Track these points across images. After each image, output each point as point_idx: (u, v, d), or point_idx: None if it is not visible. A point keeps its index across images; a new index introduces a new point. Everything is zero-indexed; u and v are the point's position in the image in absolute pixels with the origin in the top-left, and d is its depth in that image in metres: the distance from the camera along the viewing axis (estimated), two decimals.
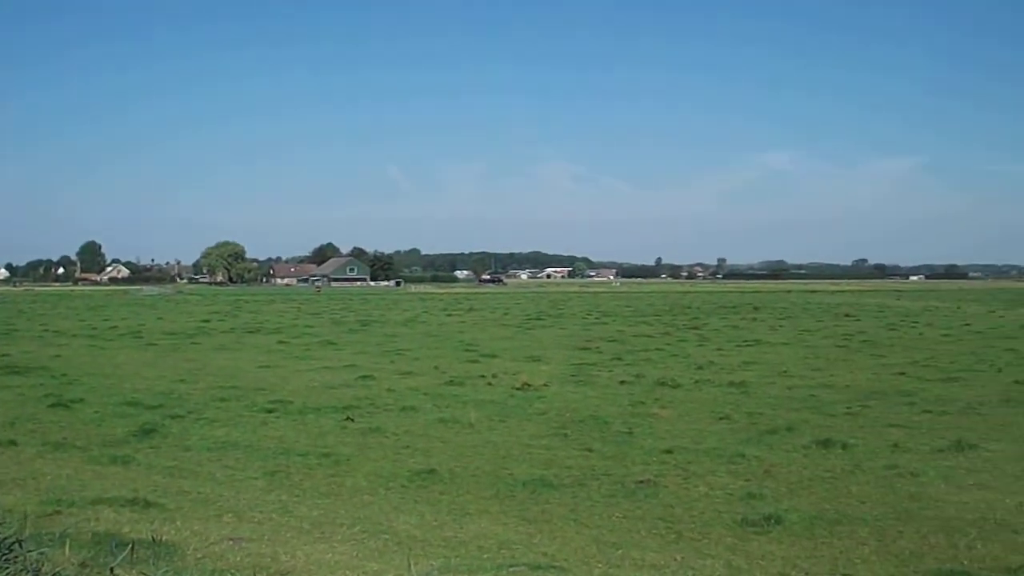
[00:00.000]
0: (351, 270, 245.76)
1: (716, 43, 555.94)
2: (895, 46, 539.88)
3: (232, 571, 7.62)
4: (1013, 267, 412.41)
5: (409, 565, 7.94)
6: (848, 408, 20.90)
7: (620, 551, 10.30)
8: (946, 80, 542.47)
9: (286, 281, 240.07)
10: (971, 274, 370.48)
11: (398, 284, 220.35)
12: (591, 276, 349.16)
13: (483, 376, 27.04)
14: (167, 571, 6.11)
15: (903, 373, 27.98)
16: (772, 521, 11.28)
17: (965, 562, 9.82)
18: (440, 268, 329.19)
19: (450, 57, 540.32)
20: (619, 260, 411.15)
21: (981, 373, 27.86)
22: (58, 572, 5.41)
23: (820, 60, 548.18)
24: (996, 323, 56.50)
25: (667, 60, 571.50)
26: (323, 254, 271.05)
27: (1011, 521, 11.28)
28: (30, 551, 5.14)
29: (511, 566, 9.64)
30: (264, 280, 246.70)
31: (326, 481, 13.80)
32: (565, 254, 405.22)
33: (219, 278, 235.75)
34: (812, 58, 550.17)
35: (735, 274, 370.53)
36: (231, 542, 9.22)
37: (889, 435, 17.34)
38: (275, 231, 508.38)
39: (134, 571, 5.67)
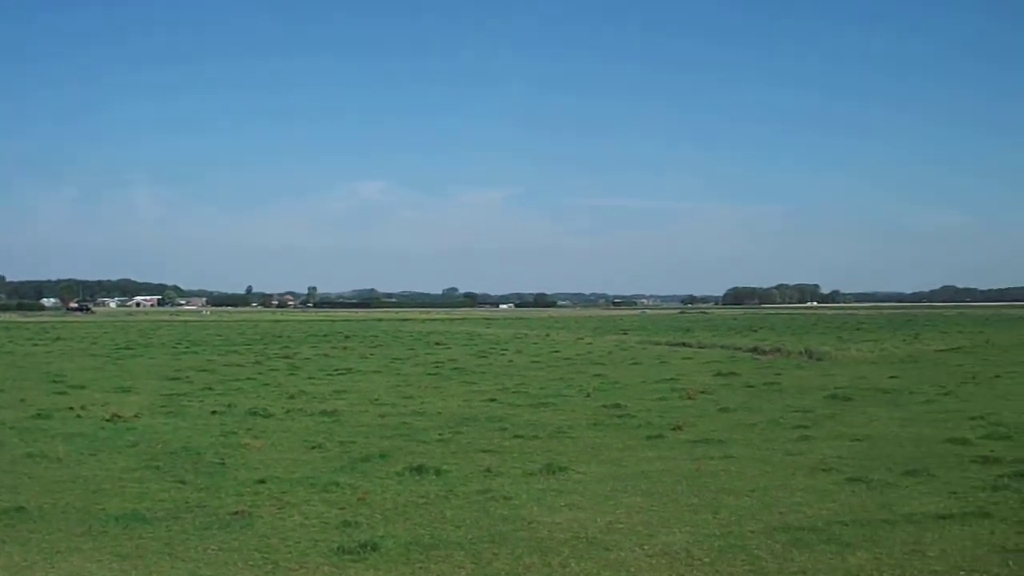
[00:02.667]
0: None
1: (308, 73, 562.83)
2: (485, 81, 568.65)
3: None
4: (600, 295, 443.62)
5: None
6: (440, 435, 21.61)
7: None
8: (534, 115, 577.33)
9: None
10: (560, 302, 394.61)
11: None
12: (181, 305, 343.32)
13: (71, 408, 26.19)
14: None
15: (494, 399, 29.27)
16: (368, 548, 11.50)
17: None
18: (25, 296, 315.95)
19: (31, 78, 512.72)
20: (210, 288, 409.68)
21: (570, 398, 29.60)
22: None
23: (413, 91, 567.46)
24: (584, 349, 60.32)
25: (260, 85, 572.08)
26: None
27: (602, 539, 12.10)
28: None
29: None
30: None
31: None
32: (155, 282, 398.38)
33: None
34: (405, 88, 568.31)
35: (326, 303, 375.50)
36: None
37: (481, 460, 18.10)
38: None
39: None
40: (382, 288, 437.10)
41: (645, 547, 11.69)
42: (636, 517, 13.33)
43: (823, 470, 16.77)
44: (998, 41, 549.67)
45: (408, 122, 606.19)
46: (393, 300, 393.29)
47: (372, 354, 55.54)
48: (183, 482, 16.03)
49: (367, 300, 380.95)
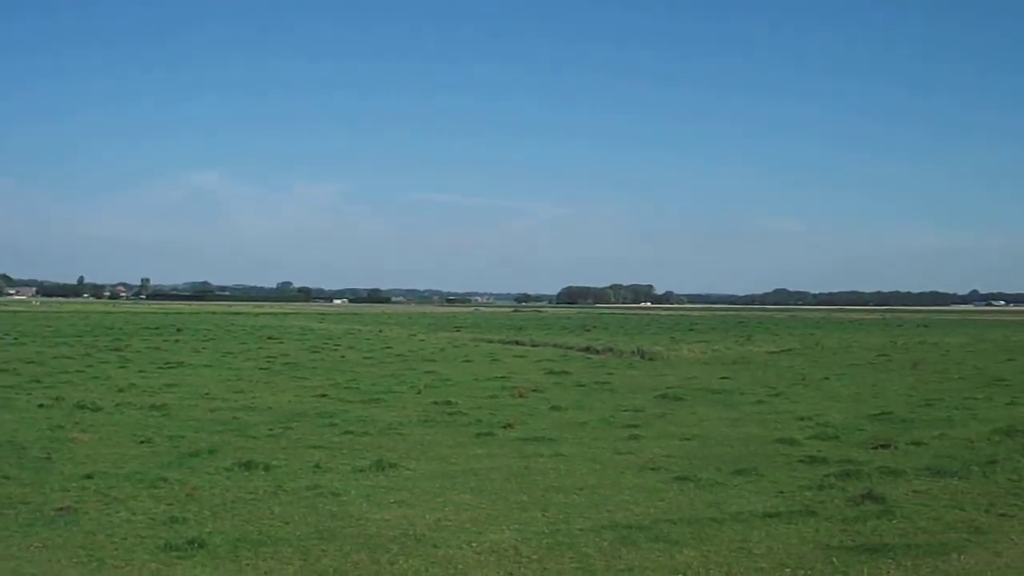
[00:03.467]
0: None
1: (143, 61, 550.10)
2: (318, 78, 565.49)
3: None
4: (435, 292, 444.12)
5: None
6: (270, 430, 21.52)
7: None
8: (368, 109, 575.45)
9: None
10: (394, 298, 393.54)
11: None
12: (11, 295, 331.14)
13: None
14: None
15: (325, 395, 29.23)
16: (196, 545, 11.43)
17: None
18: None
19: None
20: (40, 278, 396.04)
21: (401, 395, 29.66)
22: None
23: (250, 83, 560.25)
24: (417, 346, 60.39)
25: (92, 72, 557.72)
26: None
27: (430, 536, 12.24)
28: None
29: None
30: None
31: None
32: None
33: None
34: (242, 79, 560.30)
35: (160, 295, 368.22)
36: None
37: (311, 456, 18.10)
38: None
39: None
40: (216, 281, 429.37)
41: (473, 544, 11.86)
42: (465, 514, 13.51)
43: (652, 469, 17.16)
44: (837, 52, 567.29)
45: (244, 112, 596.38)
46: (227, 293, 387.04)
47: (204, 348, 54.68)
48: (7, 477, 15.62)
49: (201, 293, 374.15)
